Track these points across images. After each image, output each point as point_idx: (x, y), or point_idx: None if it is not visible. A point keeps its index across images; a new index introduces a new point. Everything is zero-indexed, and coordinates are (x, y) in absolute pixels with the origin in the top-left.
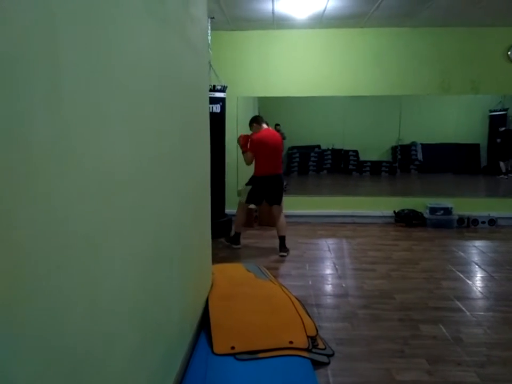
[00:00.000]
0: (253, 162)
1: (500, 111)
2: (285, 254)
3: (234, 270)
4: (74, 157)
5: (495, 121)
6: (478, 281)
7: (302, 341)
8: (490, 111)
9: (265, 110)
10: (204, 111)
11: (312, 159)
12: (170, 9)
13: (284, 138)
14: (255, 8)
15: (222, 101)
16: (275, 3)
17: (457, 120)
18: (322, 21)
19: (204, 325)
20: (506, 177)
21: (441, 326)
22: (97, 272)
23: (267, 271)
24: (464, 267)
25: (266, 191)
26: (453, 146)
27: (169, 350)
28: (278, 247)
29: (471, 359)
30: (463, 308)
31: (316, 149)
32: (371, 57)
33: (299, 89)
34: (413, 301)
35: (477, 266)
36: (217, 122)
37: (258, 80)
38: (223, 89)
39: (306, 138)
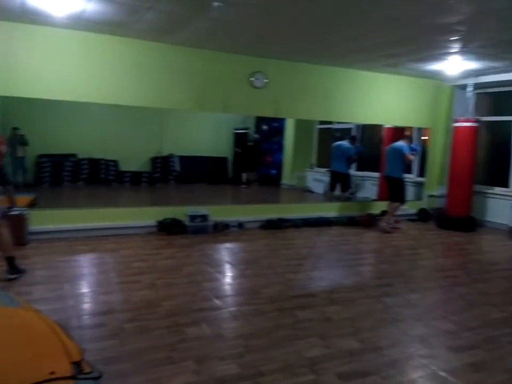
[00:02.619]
0: None
1: (242, 129)
2: (13, 276)
3: None
4: None
5: (239, 138)
6: (232, 279)
7: (64, 369)
8: (235, 129)
9: (5, 111)
10: None
11: (67, 168)
12: None
13: (25, 144)
14: None
15: None
16: None
17: (210, 135)
18: (82, 23)
19: None
20: (246, 186)
21: (204, 326)
22: None
23: (17, 297)
24: (221, 268)
25: None
26: (206, 159)
27: None
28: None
29: (232, 352)
30: (222, 306)
31: (72, 158)
32: (132, 68)
33: (52, 92)
34: (179, 306)
35: (231, 266)
36: None
37: (1, 78)
38: None
39: (60, 146)
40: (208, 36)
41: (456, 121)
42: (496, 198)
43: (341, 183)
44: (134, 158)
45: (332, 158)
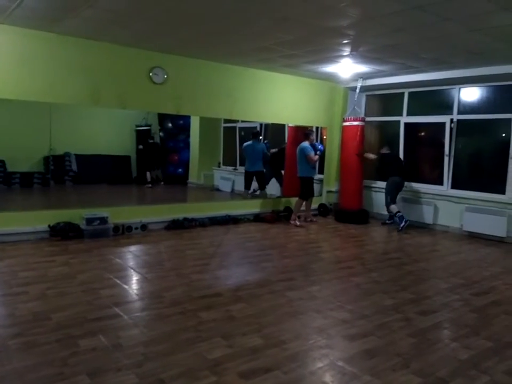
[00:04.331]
0: None
1: (145, 126)
2: None
3: None
4: None
5: (141, 136)
6: (133, 284)
7: None
8: (137, 126)
9: None
10: None
11: None
12: None
13: None
14: None
15: None
16: None
17: (109, 132)
18: None
19: None
20: (150, 186)
21: (100, 336)
22: None
23: None
24: (121, 273)
25: None
26: (106, 158)
27: None
28: None
29: (129, 362)
30: (121, 313)
31: None
32: (15, 58)
33: None
34: (72, 317)
35: (132, 270)
36: None
37: None
38: None
39: None
40: (101, 27)
41: (345, 121)
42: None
43: (258, 181)
44: (23, 157)
45: (246, 158)
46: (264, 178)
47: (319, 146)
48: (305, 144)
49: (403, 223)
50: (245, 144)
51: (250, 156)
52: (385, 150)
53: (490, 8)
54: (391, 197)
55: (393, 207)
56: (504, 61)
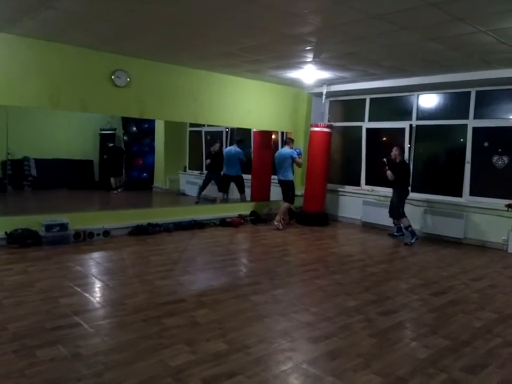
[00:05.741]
0: None
1: (109, 130)
2: None
3: None
4: None
5: (105, 139)
6: (94, 292)
7: None
8: (101, 130)
9: None
10: None
11: None
12: None
13: None
14: None
15: None
16: None
17: (71, 136)
18: None
19: None
20: (116, 192)
21: (59, 346)
22: None
23: None
24: (82, 280)
25: None
26: (67, 162)
27: None
28: None
29: (89, 372)
30: (81, 322)
31: None
32: None
33: None
34: (29, 327)
35: (93, 278)
36: None
37: None
38: None
39: None
40: (61, 29)
41: (312, 126)
42: (349, 195)
43: (237, 185)
44: None
45: (224, 163)
46: (242, 182)
47: (298, 150)
48: (289, 149)
49: (414, 239)
50: (226, 149)
51: (227, 161)
52: (397, 153)
53: (446, 18)
54: (402, 209)
55: (406, 220)
56: (460, 69)
